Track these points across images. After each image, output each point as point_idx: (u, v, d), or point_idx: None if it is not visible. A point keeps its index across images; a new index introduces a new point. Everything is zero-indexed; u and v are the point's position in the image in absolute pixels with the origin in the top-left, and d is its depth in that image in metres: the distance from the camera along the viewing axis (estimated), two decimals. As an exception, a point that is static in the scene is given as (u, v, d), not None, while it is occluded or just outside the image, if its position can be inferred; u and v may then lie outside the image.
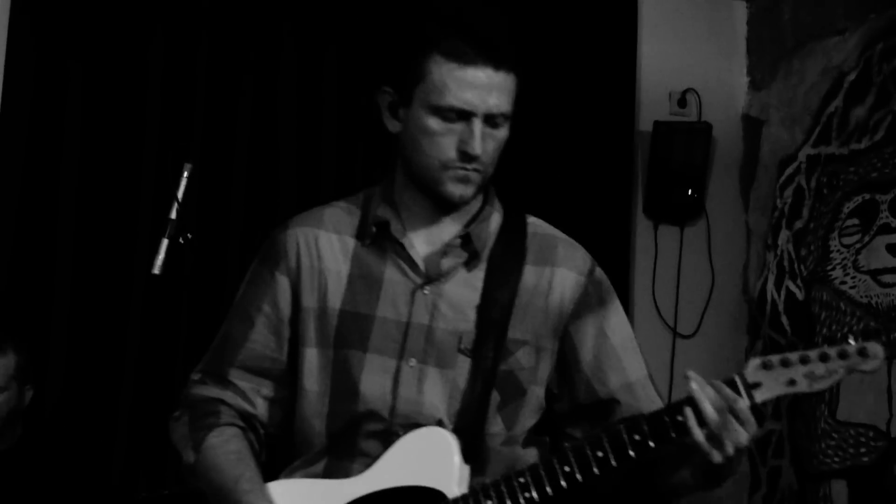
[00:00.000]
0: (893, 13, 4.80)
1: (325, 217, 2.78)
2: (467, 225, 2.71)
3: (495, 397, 2.66)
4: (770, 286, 5.33)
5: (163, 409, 4.71)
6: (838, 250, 4.97)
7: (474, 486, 2.57)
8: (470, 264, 2.69)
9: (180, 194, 2.98)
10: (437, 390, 2.64)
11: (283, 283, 2.73)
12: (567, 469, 2.51)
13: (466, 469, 2.59)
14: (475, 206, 2.73)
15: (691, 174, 5.43)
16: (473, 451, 2.60)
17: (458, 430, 2.61)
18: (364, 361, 2.65)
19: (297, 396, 2.72)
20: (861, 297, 4.83)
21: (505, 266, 2.69)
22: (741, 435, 2.44)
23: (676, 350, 5.39)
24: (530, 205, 2.84)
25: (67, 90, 4.86)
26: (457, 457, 2.58)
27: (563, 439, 2.75)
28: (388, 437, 2.63)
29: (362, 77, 5.10)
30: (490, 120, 2.59)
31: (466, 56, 2.55)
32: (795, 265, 5.19)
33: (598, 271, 2.77)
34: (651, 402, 2.71)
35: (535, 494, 2.51)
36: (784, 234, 5.27)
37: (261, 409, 2.76)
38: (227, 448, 2.68)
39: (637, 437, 2.49)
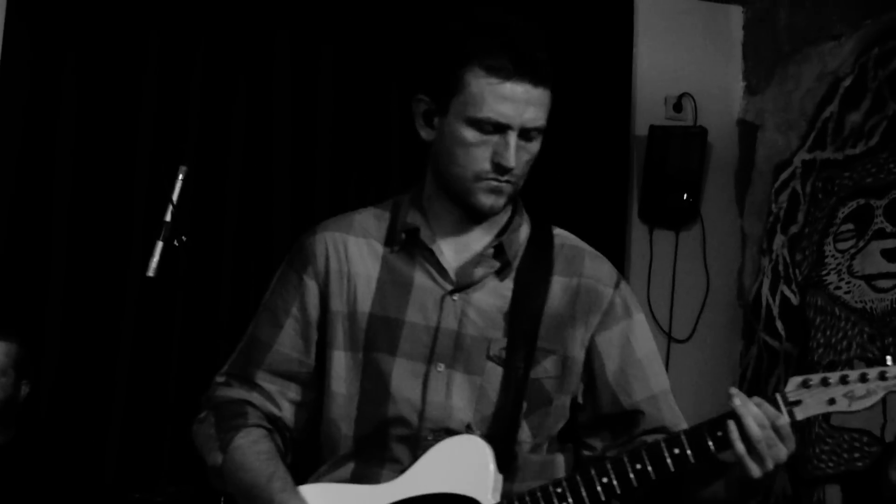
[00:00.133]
0: (888, 19, 4.81)
1: (354, 222, 2.79)
2: (499, 235, 2.73)
3: (523, 405, 2.67)
4: (765, 291, 5.33)
5: (156, 410, 4.79)
6: (833, 255, 4.98)
7: (508, 494, 2.59)
8: (501, 273, 2.71)
9: (175, 197, 2.98)
10: (464, 396, 2.66)
11: (312, 287, 2.74)
12: (605, 480, 2.54)
13: (500, 477, 2.60)
14: (504, 216, 2.75)
15: (687, 179, 5.44)
16: (505, 459, 2.62)
17: (489, 438, 2.63)
18: (393, 365, 2.67)
19: (324, 399, 2.72)
20: (856, 302, 4.84)
21: (533, 276, 2.72)
22: (781, 451, 2.47)
23: (671, 354, 5.39)
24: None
25: (62, 92, 4.86)
26: (492, 464, 2.59)
27: (582, 448, 2.79)
28: (416, 443, 2.64)
29: (358, 82, 5.12)
30: (525, 133, 2.62)
31: (506, 71, 2.57)
32: (790, 270, 5.19)
33: (624, 284, 2.80)
34: (674, 414, 2.74)
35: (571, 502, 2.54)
36: (779, 239, 5.28)
37: (286, 412, 2.76)
38: (256, 448, 2.68)
39: (677, 452, 2.52)
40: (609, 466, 2.55)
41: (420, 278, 2.70)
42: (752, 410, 2.47)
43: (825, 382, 2.47)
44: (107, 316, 4.81)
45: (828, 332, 4.96)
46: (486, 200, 2.63)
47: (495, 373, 2.66)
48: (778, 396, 2.49)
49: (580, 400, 2.76)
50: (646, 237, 5.49)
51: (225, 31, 5.02)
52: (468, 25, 2.67)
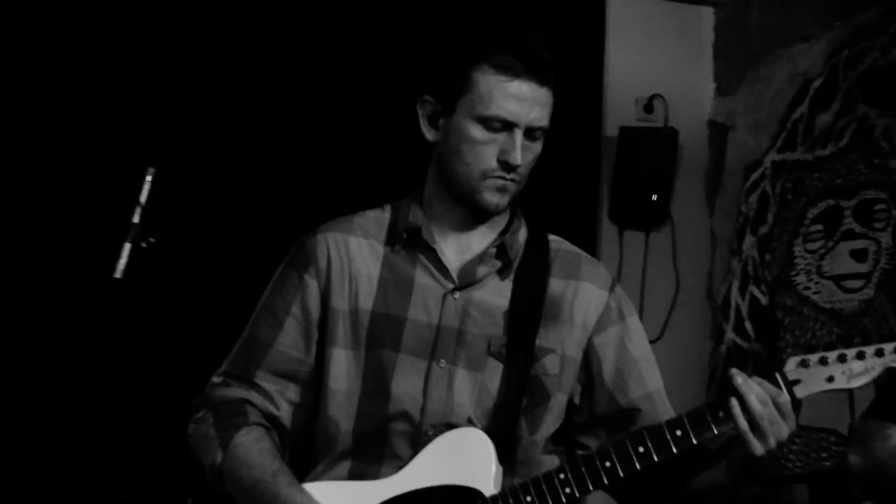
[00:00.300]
0: (859, 20, 4.83)
1: (354, 224, 2.84)
2: (501, 235, 2.79)
3: (522, 401, 2.73)
4: (734, 291, 5.35)
5: (124, 412, 4.77)
6: (802, 256, 5.00)
7: (510, 485, 2.62)
8: (502, 273, 2.78)
9: (143, 199, 2.97)
10: (466, 391, 2.71)
11: (313, 286, 2.78)
12: (608, 464, 2.58)
13: (501, 469, 2.65)
14: (503, 219, 2.82)
15: (657, 179, 5.45)
16: (505, 453, 2.67)
17: (489, 432, 2.67)
18: (396, 361, 2.71)
19: (321, 397, 2.76)
20: (825, 302, 4.86)
21: (532, 277, 2.79)
22: (783, 428, 2.53)
23: (641, 354, 5.39)
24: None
25: (32, 93, 4.83)
26: (494, 456, 2.64)
27: (576, 449, 2.83)
28: (416, 438, 2.69)
29: (333, 86, 5.11)
30: (530, 133, 2.69)
31: (515, 69, 2.64)
32: (760, 270, 5.21)
33: (619, 287, 2.88)
34: (668, 413, 2.78)
35: (576, 490, 2.59)
36: (749, 240, 5.29)
37: (284, 412, 2.79)
38: (259, 445, 2.70)
39: (679, 433, 2.58)
40: (611, 450, 2.59)
41: (421, 277, 2.76)
42: (754, 388, 2.52)
43: (823, 361, 2.54)
44: (75, 317, 4.79)
45: (797, 333, 4.98)
46: (492, 199, 2.70)
47: (496, 369, 2.72)
48: (778, 375, 2.55)
49: (577, 401, 2.82)
50: (616, 238, 5.50)
51: (198, 32, 4.99)
52: (476, 27, 2.75)
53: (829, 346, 4.80)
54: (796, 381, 2.54)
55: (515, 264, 2.79)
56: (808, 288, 4.94)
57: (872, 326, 4.62)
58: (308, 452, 2.79)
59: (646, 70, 5.52)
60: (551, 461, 2.77)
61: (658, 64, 5.55)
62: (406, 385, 2.70)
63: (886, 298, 4.59)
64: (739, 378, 2.54)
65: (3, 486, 4.38)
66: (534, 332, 2.74)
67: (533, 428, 2.75)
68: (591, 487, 2.58)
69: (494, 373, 2.72)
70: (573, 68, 5.39)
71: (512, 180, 2.70)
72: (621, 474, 2.57)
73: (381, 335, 2.73)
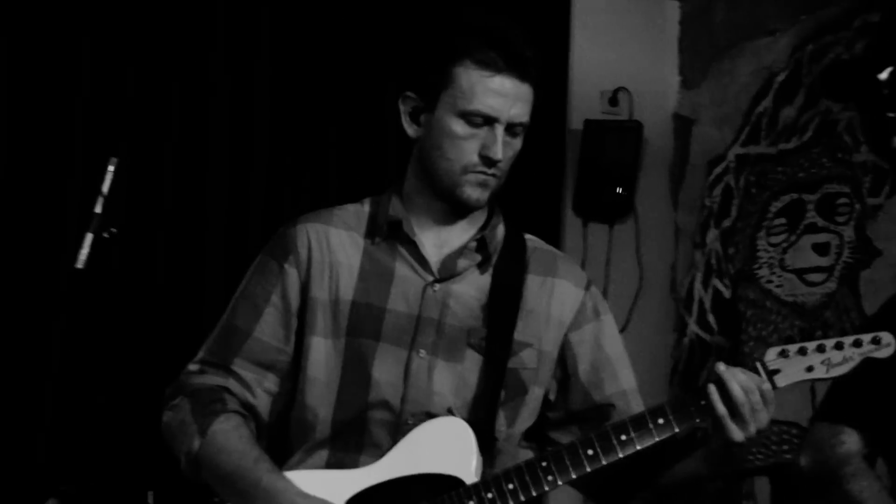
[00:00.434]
0: (823, 15, 4.84)
1: (334, 215, 2.86)
2: (481, 230, 2.82)
3: (501, 393, 2.75)
4: (697, 284, 5.36)
5: (87, 403, 4.75)
6: (765, 249, 5.01)
7: (493, 474, 2.63)
8: (482, 267, 2.80)
9: (105, 189, 2.96)
10: (445, 381, 2.73)
11: (293, 276, 2.79)
12: (591, 452, 2.60)
13: (481, 459, 2.66)
14: (482, 214, 2.84)
15: (621, 172, 5.46)
16: (484, 445, 2.68)
17: (469, 423, 2.68)
18: (377, 350, 2.73)
19: (299, 386, 2.76)
20: (787, 295, 4.88)
21: (510, 272, 2.82)
22: (765, 416, 2.57)
23: (604, 346, 5.40)
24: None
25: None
26: (475, 446, 2.65)
27: (548, 446, 2.83)
28: (396, 427, 2.70)
29: (297, 79, 5.10)
30: (511, 129, 2.71)
31: (497, 65, 2.67)
32: (723, 264, 5.22)
33: (594, 286, 2.93)
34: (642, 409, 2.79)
35: (558, 478, 2.60)
36: (712, 233, 5.30)
37: (261, 401, 2.79)
38: (238, 432, 2.70)
39: (661, 421, 2.61)
40: (594, 438, 2.61)
41: (401, 269, 2.77)
42: (737, 375, 2.56)
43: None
44: (37, 308, 4.77)
45: (759, 326, 4.99)
46: (473, 193, 2.72)
47: (475, 361, 2.74)
48: (758, 365, 2.59)
49: (551, 397, 2.85)
50: (580, 230, 5.51)
51: (160, 23, 4.97)
52: (458, 24, 2.78)
53: (790, 340, 4.82)
54: (776, 371, 2.58)
55: (494, 259, 2.81)
56: (770, 281, 4.96)
57: (834, 320, 4.64)
58: (280, 443, 2.78)
59: (611, 63, 5.53)
60: (526, 455, 2.78)
61: (623, 57, 5.55)
62: (386, 373, 2.72)
63: (848, 292, 4.61)
64: (722, 365, 2.58)
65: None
66: (512, 326, 2.76)
67: (510, 421, 2.77)
68: (573, 475, 2.59)
69: (473, 364, 2.74)
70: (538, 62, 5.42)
71: (493, 175, 2.72)
72: (603, 462, 2.59)
73: (362, 324, 2.74)
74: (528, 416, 2.81)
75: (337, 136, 5.16)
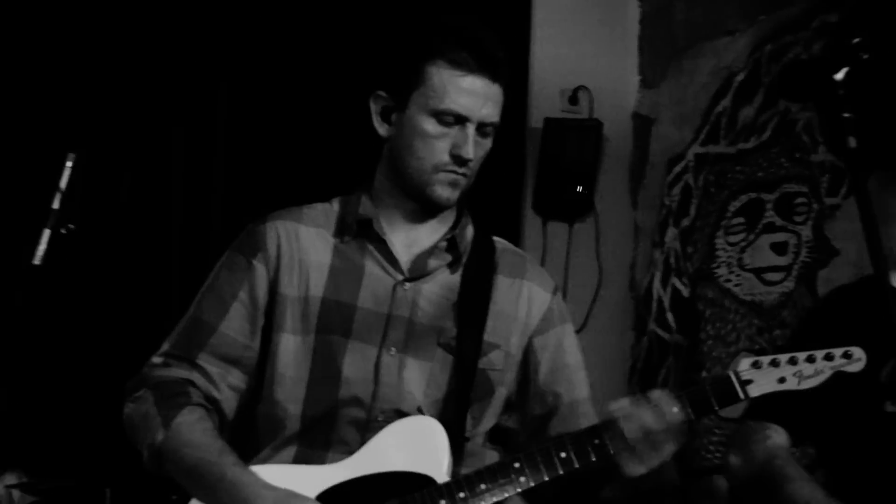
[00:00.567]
0: (783, 15, 4.86)
1: (303, 213, 2.87)
2: (451, 230, 2.85)
3: (470, 393, 2.77)
4: (656, 283, 5.37)
5: (42, 399, 4.71)
6: (724, 248, 5.03)
7: (465, 474, 2.64)
8: (453, 267, 2.84)
9: (63, 184, 2.95)
10: (415, 379, 2.74)
11: (261, 272, 2.80)
12: (563, 455, 2.61)
13: (452, 459, 2.68)
14: (452, 215, 2.87)
15: (581, 171, 5.46)
16: (455, 444, 2.69)
17: (440, 422, 2.70)
18: (347, 347, 2.74)
19: (267, 382, 2.77)
20: (745, 294, 4.89)
21: (480, 273, 2.85)
22: (667, 449, 2.59)
23: (563, 345, 5.41)
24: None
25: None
26: (447, 445, 2.66)
27: (507, 446, 2.88)
28: (366, 424, 2.71)
29: (257, 78, 5.09)
30: (481, 128, 2.75)
31: (468, 65, 2.71)
32: (682, 262, 5.23)
33: (560, 293, 2.96)
34: (591, 422, 2.80)
35: (530, 479, 2.61)
36: (671, 232, 5.32)
37: (225, 396, 2.79)
38: (202, 425, 2.69)
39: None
40: (567, 441, 2.62)
41: (371, 267, 2.79)
42: (642, 415, 2.56)
43: (774, 363, 2.61)
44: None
45: (717, 325, 5.01)
46: (444, 192, 2.75)
47: (445, 360, 2.77)
48: (731, 375, 2.62)
49: (514, 398, 2.89)
50: (539, 229, 5.51)
51: (123, 15, 4.94)
52: (431, 24, 2.82)
53: (749, 339, 4.84)
54: (749, 381, 2.61)
55: (464, 259, 2.84)
56: (729, 280, 4.98)
57: (792, 319, 4.66)
58: (246, 440, 2.77)
59: (571, 62, 5.53)
60: (493, 455, 2.82)
61: (583, 56, 5.55)
62: (357, 370, 2.73)
63: (806, 291, 4.63)
64: (614, 404, 2.59)
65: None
66: (482, 326, 2.79)
67: (476, 421, 2.80)
68: (545, 477, 2.60)
69: (443, 363, 2.76)
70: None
71: (463, 174, 2.75)
72: (576, 465, 2.60)
73: (332, 321, 2.75)
74: (492, 416, 2.83)
75: (300, 135, 5.14)
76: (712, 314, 5.04)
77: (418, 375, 2.74)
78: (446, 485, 2.61)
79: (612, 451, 2.57)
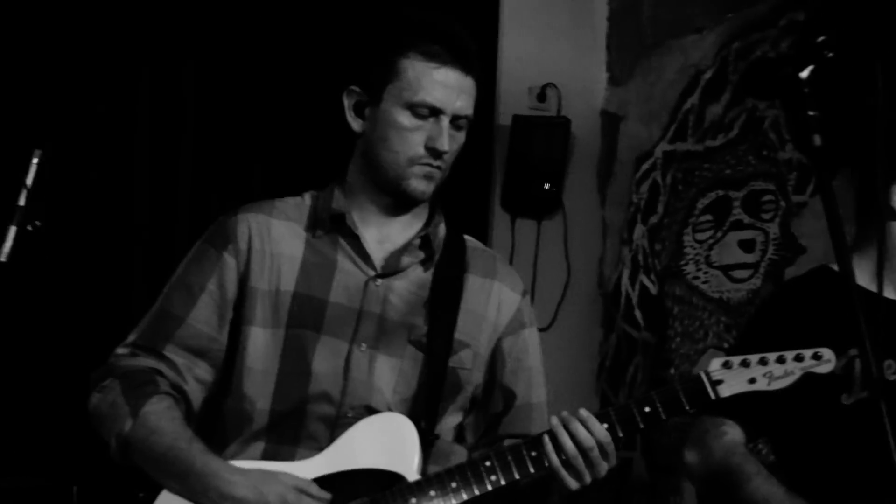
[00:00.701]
0: (750, 12, 4.88)
1: (275, 207, 2.85)
2: (424, 227, 2.83)
3: (441, 391, 2.76)
4: (625, 280, 5.38)
5: (9, 397, 4.69)
6: (692, 246, 5.05)
7: (436, 472, 2.64)
8: (425, 264, 2.82)
9: (29, 181, 2.93)
10: (385, 376, 2.73)
11: (231, 264, 2.78)
12: (535, 454, 2.61)
13: (422, 456, 2.67)
14: (424, 212, 2.86)
15: (549, 168, 5.46)
16: (425, 441, 2.69)
17: (410, 418, 2.70)
18: (318, 342, 2.72)
19: (235, 376, 2.75)
20: (713, 292, 4.91)
21: (451, 272, 2.84)
22: (602, 467, 2.59)
23: (531, 342, 5.41)
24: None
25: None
26: (417, 443, 2.66)
27: (472, 445, 2.87)
28: (335, 420, 2.69)
29: (224, 72, 5.07)
30: (455, 121, 2.73)
31: (442, 57, 2.70)
32: (650, 260, 5.25)
33: (528, 295, 2.96)
34: (543, 427, 2.79)
35: (501, 478, 2.60)
36: (639, 229, 5.33)
37: (192, 387, 2.76)
38: (171, 414, 2.67)
39: (534, 454, 2.61)
40: (541, 439, 2.61)
41: (343, 262, 2.78)
42: (578, 430, 2.57)
43: (745, 363, 2.62)
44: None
45: (685, 322, 5.02)
46: (419, 186, 2.73)
47: (416, 357, 2.76)
48: (702, 375, 2.62)
49: (480, 397, 2.87)
50: (508, 226, 5.51)
51: (89, 12, 4.92)
52: (403, 18, 2.82)
53: (717, 336, 4.86)
54: (719, 381, 2.62)
55: (437, 257, 2.83)
56: (696, 277, 4.99)
57: (759, 316, 4.67)
58: (212, 434, 2.75)
59: (539, 59, 5.54)
60: (460, 453, 2.81)
61: (551, 53, 5.56)
62: (327, 365, 2.71)
63: (773, 288, 4.65)
64: (555, 419, 2.60)
65: None
66: (453, 325, 2.78)
67: (445, 419, 2.79)
68: (516, 476, 2.60)
69: (414, 361, 2.75)
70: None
71: (438, 167, 2.73)
72: (546, 464, 2.59)
73: (303, 316, 2.74)
74: (458, 414, 2.83)
75: (268, 130, 5.13)
76: (680, 311, 5.06)
77: (388, 372, 2.73)
78: (417, 482, 2.60)
79: (551, 463, 2.58)
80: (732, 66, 4.95)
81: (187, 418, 2.73)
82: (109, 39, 4.95)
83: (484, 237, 5.40)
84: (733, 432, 3.12)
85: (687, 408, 2.62)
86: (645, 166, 5.34)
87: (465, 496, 2.59)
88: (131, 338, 2.81)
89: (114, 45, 4.95)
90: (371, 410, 2.70)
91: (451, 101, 2.70)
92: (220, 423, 2.77)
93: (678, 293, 5.08)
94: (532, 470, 2.60)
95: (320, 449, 2.67)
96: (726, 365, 2.62)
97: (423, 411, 2.73)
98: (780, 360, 2.62)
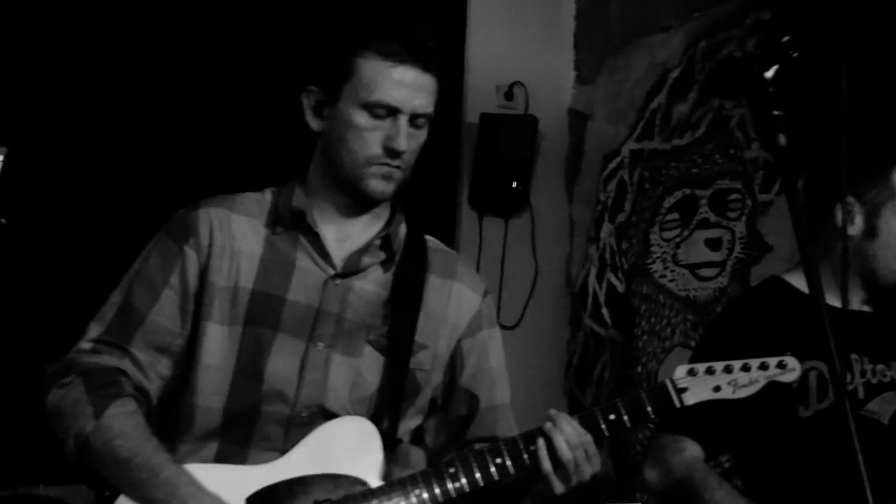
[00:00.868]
0: (717, 12, 4.89)
1: (236, 202, 2.82)
2: (385, 227, 2.81)
3: (401, 393, 2.74)
4: (592, 278, 5.39)
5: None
6: (658, 244, 5.06)
7: (399, 477, 2.62)
8: (386, 265, 2.79)
9: (-6, 179, 2.92)
10: (341, 376, 2.70)
11: (192, 258, 2.74)
12: (499, 461, 2.59)
13: (384, 460, 2.65)
14: (385, 212, 2.83)
15: (517, 167, 5.47)
16: (386, 444, 2.67)
17: (370, 420, 2.68)
18: (274, 341, 2.70)
19: (191, 372, 2.72)
20: (680, 290, 4.92)
21: (412, 271, 2.82)
22: (587, 471, 2.58)
23: (499, 341, 5.42)
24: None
25: None
26: (380, 446, 2.64)
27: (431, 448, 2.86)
28: (289, 420, 2.67)
29: (190, 68, 5.05)
30: (414, 120, 2.69)
31: (399, 55, 2.66)
32: (617, 258, 5.26)
33: (490, 295, 2.93)
34: (509, 429, 2.82)
35: (465, 485, 2.58)
36: (606, 228, 5.34)
37: (154, 385, 2.73)
38: (135, 419, 2.63)
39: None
40: (503, 447, 2.60)
41: (302, 260, 2.75)
42: (564, 429, 2.56)
43: (710, 371, 2.61)
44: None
45: (652, 320, 5.04)
46: (377, 186, 2.70)
47: (374, 358, 2.73)
48: (668, 382, 2.61)
49: (439, 400, 2.85)
50: (475, 224, 5.51)
51: (53, 9, 4.90)
52: (359, 15, 2.77)
53: (684, 334, 4.87)
54: (684, 389, 2.60)
55: (397, 258, 2.80)
56: (663, 276, 5.01)
57: (726, 314, 4.69)
58: (165, 429, 2.72)
59: (507, 57, 5.54)
60: (418, 454, 2.81)
61: (519, 51, 5.56)
62: (282, 365, 2.69)
63: (740, 287, 4.67)
64: (549, 423, 2.58)
65: None
66: (413, 326, 2.76)
67: (403, 421, 2.76)
68: (481, 483, 2.58)
69: (371, 361, 2.73)
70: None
71: (397, 167, 2.70)
72: (512, 472, 2.58)
73: (261, 313, 2.71)
74: (417, 416, 2.81)
75: (231, 127, 5.11)
76: (647, 309, 5.07)
77: (345, 372, 2.71)
78: (379, 488, 2.59)
79: (543, 468, 2.56)
80: (699, 65, 4.96)
81: (148, 416, 2.71)
82: (72, 34, 4.92)
83: (451, 235, 5.41)
84: (692, 448, 3.13)
85: (652, 416, 2.61)
86: (612, 165, 5.35)
87: (428, 502, 2.58)
88: (94, 333, 2.76)
89: (76, 40, 4.93)
90: (325, 411, 2.68)
91: (408, 100, 2.67)
92: (173, 419, 2.73)
93: (645, 291, 5.09)
94: (497, 477, 2.58)
95: (273, 449, 2.65)
96: (691, 372, 2.61)
97: (384, 413, 2.71)
98: (745, 369, 2.61)
